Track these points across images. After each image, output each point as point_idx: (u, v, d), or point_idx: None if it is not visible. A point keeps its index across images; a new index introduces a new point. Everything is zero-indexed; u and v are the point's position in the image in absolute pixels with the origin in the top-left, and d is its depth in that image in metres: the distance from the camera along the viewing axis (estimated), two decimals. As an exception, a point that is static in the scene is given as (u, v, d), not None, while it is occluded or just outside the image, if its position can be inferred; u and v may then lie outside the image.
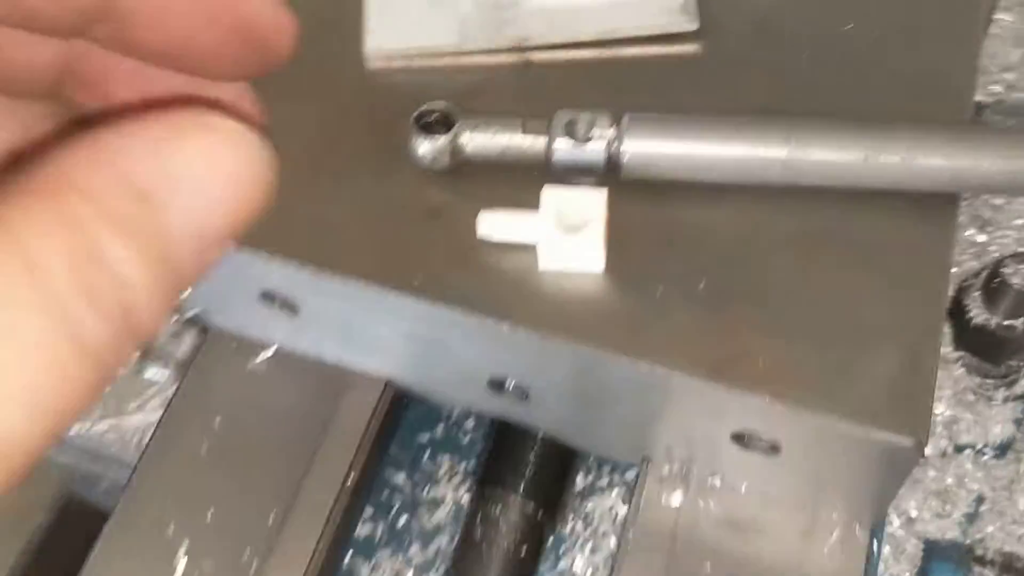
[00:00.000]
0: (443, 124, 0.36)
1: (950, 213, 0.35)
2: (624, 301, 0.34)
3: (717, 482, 0.40)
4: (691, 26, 0.39)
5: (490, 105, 0.38)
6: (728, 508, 0.39)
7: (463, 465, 0.48)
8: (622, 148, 0.35)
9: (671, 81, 0.39)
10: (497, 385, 0.40)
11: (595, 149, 0.35)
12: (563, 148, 0.35)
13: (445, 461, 0.49)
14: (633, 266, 0.35)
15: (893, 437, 0.32)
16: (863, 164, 0.33)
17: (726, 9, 0.40)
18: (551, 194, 0.35)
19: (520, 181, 0.36)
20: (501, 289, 0.35)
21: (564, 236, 0.34)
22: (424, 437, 0.49)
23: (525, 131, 0.35)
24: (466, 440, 0.49)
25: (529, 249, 0.35)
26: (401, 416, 0.47)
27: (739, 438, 0.36)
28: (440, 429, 0.49)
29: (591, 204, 0.35)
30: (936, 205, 0.35)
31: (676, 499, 0.40)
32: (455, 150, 0.35)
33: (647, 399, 0.36)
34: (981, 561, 0.46)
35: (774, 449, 0.35)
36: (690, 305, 0.34)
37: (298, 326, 0.40)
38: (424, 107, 0.36)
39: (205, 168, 0.21)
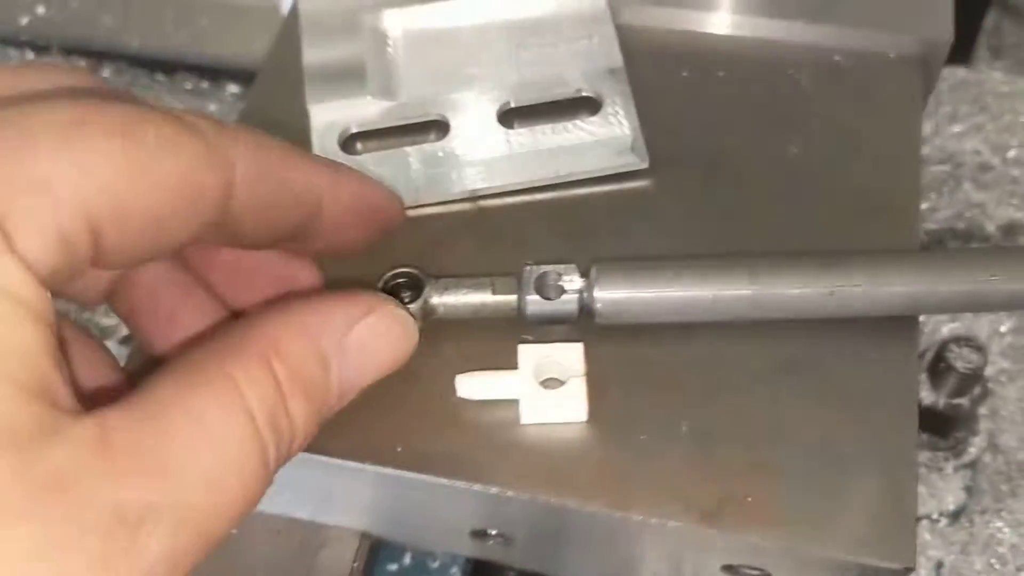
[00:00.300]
0: (410, 287, 0.35)
1: (912, 332, 0.36)
2: (609, 451, 0.35)
3: (706, 603, 0.40)
4: (642, 165, 0.39)
5: (450, 257, 0.38)
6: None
7: (436, 591, 0.48)
8: (594, 297, 0.35)
9: (625, 218, 0.39)
10: (480, 534, 0.39)
11: (568, 300, 0.35)
12: (536, 304, 0.35)
13: (418, 590, 0.48)
14: (615, 413, 0.35)
15: (881, 563, 0.33)
16: (827, 298, 0.34)
17: (674, 145, 0.40)
18: (528, 351, 0.35)
19: (493, 332, 0.36)
20: (485, 450, 0.35)
21: (546, 392, 0.35)
22: (392, 567, 0.48)
23: (495, 292, 0.35)
24: (436, 565, 0.49)
25: (510, 403, 0.35)
26: (376, 559, 0.46)
27: (730, 568, 0.36)
28: (407, 558, 0.48)
29: (569, 359, 0.35)
30: (897, 326, 0.36)
31: (667, 624, 0.40)
32: (426, 314, 0.35)
33: (637, 543, 0.36)
34: (945, 621, 0.48)
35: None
36: (674, 450, 0.34)
37: (272, 491, 0.39)
38: (390, 273, 0.35)
39: (380, 342, 0.29)
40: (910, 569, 0.33)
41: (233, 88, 0.64)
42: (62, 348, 0.27)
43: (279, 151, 0.28)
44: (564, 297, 0.35)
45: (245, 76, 0.64)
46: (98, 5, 0.64)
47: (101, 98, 0.24)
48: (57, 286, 0.23)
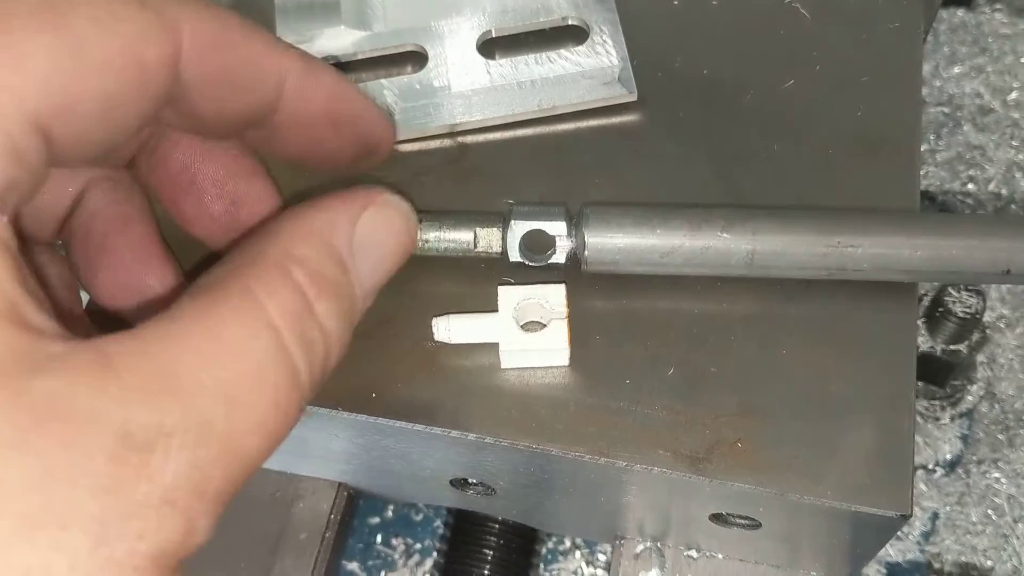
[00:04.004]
0: None
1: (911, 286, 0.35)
2: (593, 396, 0.33)
3: (694, 554, 0.39)
4: (630, 97, 0.37)
5: (430, 195, 0.36)
6: (706, 577, 0.38)
7: (418, 545, 0.47)
8: (584, 244, 0.33)
9: (613, 154, 0.37)
10: (460, 483, 0.38)
11: (555, 257, 0.33)
12: (521, 261, 0.33)
13: (400, 543, 0.47)
14: (599, 357, 0.34)
15: (877, 511, 0.31)
16: (828, 263, 0.33)
17: (664, 76, 0.38)
18: (508, 293, 0.33)
19: (471, 272, 0.34)
20: (463, 396, 0.33)
21: (527, 336, 0.33)
22: (374, 520, 0.47)
23: (478, 245, 0.33)
24: (419, 518, 0.47)
25: (489, 347, 0.34)
26: (354, 512, 0.45)
27: (718, 517, 0.35)
28: (390, 511, 0.47)
29: (551, 300, 0.33)
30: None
31: (654, 575, 0.39)
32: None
33: (623, 491, 0.35)
34: (939, 573, 0.47)
35: (754, 525, 0.35)
36: (661, 395, 0.33)
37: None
38: None
39: (384, 233, 0.27)
40: (906, 516, 0.31)
41: None
42: (43, 279, 0.26)
43: (238, 23, 0.26)
44: (551, 252, 0.33)
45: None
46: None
47: None
48: (19, 201, 0.21)
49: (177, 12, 0.24)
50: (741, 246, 0.33)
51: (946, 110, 0.57)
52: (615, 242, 0.33)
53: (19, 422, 0.19)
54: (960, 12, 0.61)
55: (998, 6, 0.61)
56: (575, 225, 0.33)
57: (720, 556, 0.39)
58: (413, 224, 0.29)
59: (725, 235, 0.33)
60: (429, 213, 0.34)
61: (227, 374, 0.21)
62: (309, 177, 0.32)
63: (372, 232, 0.27)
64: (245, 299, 0.23)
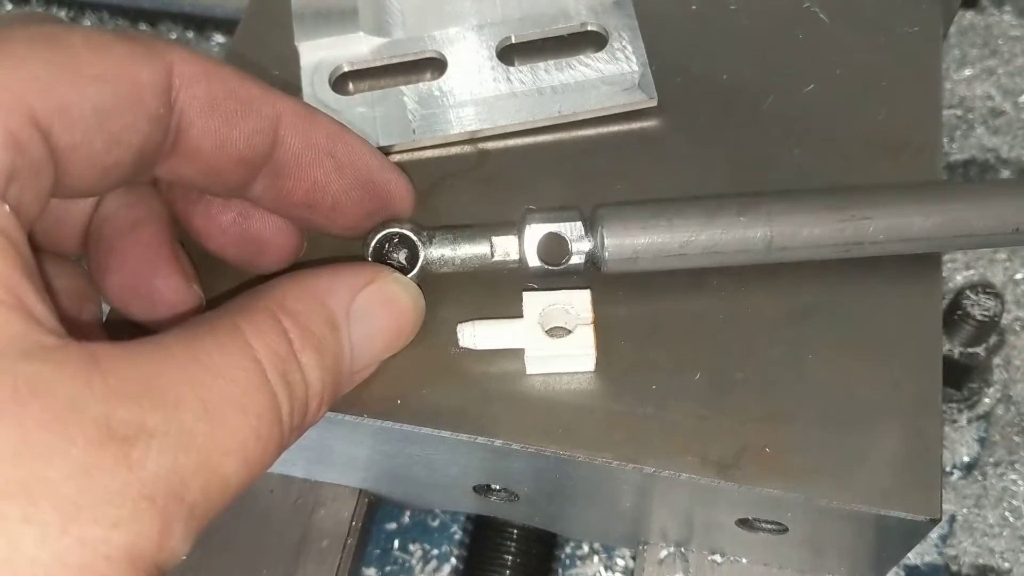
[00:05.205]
0: (403, 246, 0.33)
1: (934, 273, 0.35)
2: (619, 402, 0.33)
3: (718, 558, 0.39)
4: (650, 103, 0.37)
5: (450, 202, 0.36)
6: (731, 583, 0.38)
7: (435, 551, 0.46)
8: (602, 247, 0.33)
9: (634, 160, 0.37)
10: (484, 489, 0.38)
11: (573, 260, 0.33)
12: (539, 266, 0.33)
13: (417, 549, 0.47)
14: (624, 362, 0.34)
15: (907, 515, 0.31)
16: (844, 248, 0.33)
17: (684, 82, 0.38)
18: (533, 299, 0.33)
19: (496, 278, 0.34)
20: (489, 402, 0.33)
21: (553, 341, 0.33)
22: (391, 526, 0.47)
23: (495, 254, 0.33)
24: (436, 524, 0.47)
25: (514, 353, 0.33)
26: (373, 519, 0.44)
27: (745, 522, 0.35)
28: (407, 517, 0.47)
29: (576, 306, 0.33)
30: (918, 269, 0.35)
31: (677, 580, 0.39)
32: (421, 280, 0.33)
33: (649, 497, 0.34)
34: (957, 576, 0.47)
35: (781, 530, 0.35)
36: (688, 400, 0.33)
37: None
38: (382, 233, 0.33)
39: (384, 308, 0.29)
40: (935, 521, 0.31)
41: (219, 38, 0.62)
42: (58, 288, 0.28)
43: (229, 66, 0.28)
44: (569, 256, 0.33)
45: (231, 25, 0.61)
46: (76, -49, 0.62)
47: (27, 20, 0.24)
48: (24, 196, 0.22)
49: (165, 47, 0.26)
50: (758, 228, 0.33)
51: (958, 112, 0.57)
52: (633, 238, 0.33)
53: (2, 394, 0.19)
54: (969, 14, 0.61)
55: (1006, 8, 0.61)
56: (590, 227, 0.33)
57: (744, 561, 0.39)
58: (419, 305, 0.31)
59: (741, 218, 0.33)
60: (440, 228, 0.34)
61: (210, 394, 0.22)
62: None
63: (372, 304, 0.28)
64: (232, 335, 0.24)
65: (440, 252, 0.33)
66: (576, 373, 0.34)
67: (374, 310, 0.29)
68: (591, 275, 0.34)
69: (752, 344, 0.34)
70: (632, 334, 0.34)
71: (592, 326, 0.33)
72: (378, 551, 0.46)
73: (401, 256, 0.33)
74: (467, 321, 0.33)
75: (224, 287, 0.34)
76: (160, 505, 0.20)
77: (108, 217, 0.30)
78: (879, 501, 0.31)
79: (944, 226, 0.33)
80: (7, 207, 0.21)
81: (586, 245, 0.33)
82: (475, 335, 0.33)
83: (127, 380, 0.20)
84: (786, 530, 0.35)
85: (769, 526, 0.35)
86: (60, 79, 0.23)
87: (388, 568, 0.46)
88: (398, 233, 0.33)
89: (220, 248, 0.32)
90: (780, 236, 0.33)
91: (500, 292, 0.34)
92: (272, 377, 0.24)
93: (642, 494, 0.34)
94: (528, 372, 0.33)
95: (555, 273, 0.33)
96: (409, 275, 0.32)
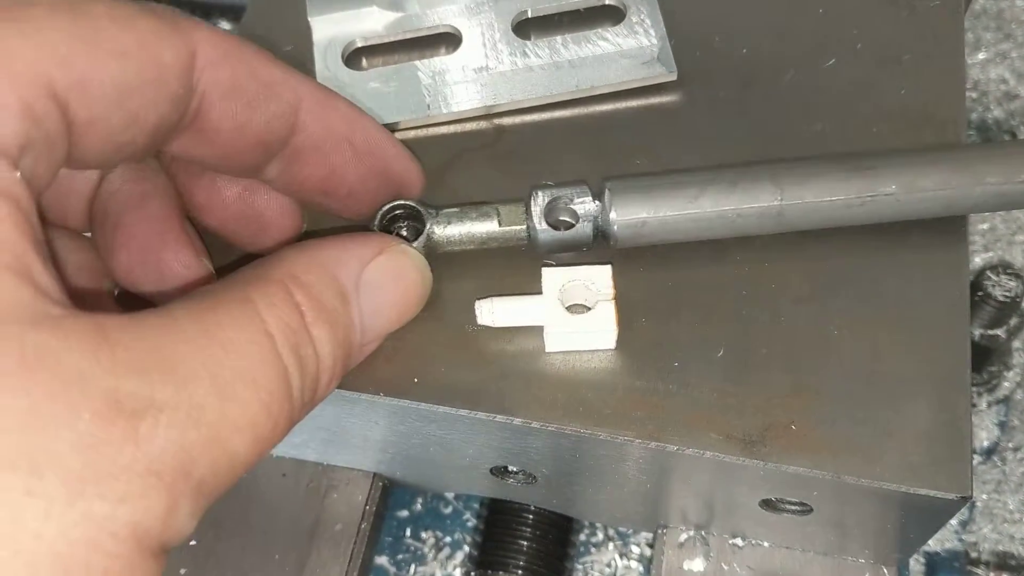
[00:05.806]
0: (410, 220, 0.33)
1: (960, 243, 0.34)
2: (641, 379, 0.32)
3: (739, 542, 0.38)
4: (670, 77, 0.37)
5: (466, 178, 0.36)
6: (752, 565, 0.38)
7: (448, 538, 0.46)
8: (610, 219, 0.32)
9: (652, 135, 0.37)
10: (501, 471, 0.37)
11: (581, 226, 0.32)
12: (546, 233, 0.32)
13: (430, 537, 0.46)
14: (645, 339, 0.33)
15: (937, 493, 0.31)
16: (859, 201, 0.32)
17: (703, 56, 0.38)
18: (553, 275, 0.33)
19: (514, 254, 0.34)
20: (507, 380, 0.32)
21: (574, 318, 0.32)
22: (403, 513, 0.46)
23: (502, 222, 0.33)
24: (449, 511, 0.46)
25: (532, 331, 0.33)
26: (387, 504, 0.44)
27: (769, 503, 0.34)
28: (419, 504, 0.46)
29: (597, 282, 0.32)
30: (945, 232, 0.34)
31: (698, 564, 0.38)
32: (430, 251, 0.33)
33: (671, 477, 0.34)
34: (976, 562, 0.46)
35: (806, 510, 0.34)
36: (711, 377, 0.32)
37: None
38: (388, 206, 0.32)
39: (393, 279, 0.28)
40: (966, 498, 0.31)
41: (225, 25, 0.61)
42: (65, 261, 0.27)
43: (251, 45, 0.27)
44: (577, 223, 0.32)
45: (238, 11, 0.61)
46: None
47: None
48: (37, 167, 0.21)
49: (190, 25, 0.25)
50: (764, 182, 0.32)
51: (973, 95, 0.57)
52: (640, 202, 0.32)
53: (3, 364, 0.18)
54: (981, -1, 0.60)
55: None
56: (598, 195, 0.32)
57: (766, 544, 0.38)
58: (427, 275, 0.30)
59: (748, 175, 0.32)
60: (453, 209, 0.33)
61: (221, 368, 0.21)
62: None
63: (381, 276, 0.28)
64: (244, 307, 0.23)
65: (447, 222, 0.33)
66: (597, 351, 0.33)
67: (384, 282, 0.28)
68: (607, 252, 0.33)
69: (775, 319, 0.33)
70: (653, 310, 0.33)
71: (614, 302, 0.32)
72: (390, 539, 0.45)
73: (407, 228, 0.33)
74: (485, 298, 0.33)
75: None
76: (168, 481, 0.19)
77: (114, 192, 0.30)
78: (908, 479, 0.31)
79: (955, 177, 0.32)
80: (19, 175, 0.21)
81: (593, 208, 0.32)
82: (493, 312, 0.32)
83: (136, 352, 0.20)
84: (811, 510, 0.34)
85: (793, 506, 0.34)
86: (81, 52, 0.22)
87: (400, 556, 0.45)
88: (404, 205, 0.33)
89: (221, 223, 0.32)
90: (789, 189, 0.32)
91: (518, 269, 0.34)
92: (284, 351, 0.23)
93: (663, 474, 0.34)
94: (548, 350, 0.33)
95: (565, 242, 0.33)
96: (414, 244, 0.32)
